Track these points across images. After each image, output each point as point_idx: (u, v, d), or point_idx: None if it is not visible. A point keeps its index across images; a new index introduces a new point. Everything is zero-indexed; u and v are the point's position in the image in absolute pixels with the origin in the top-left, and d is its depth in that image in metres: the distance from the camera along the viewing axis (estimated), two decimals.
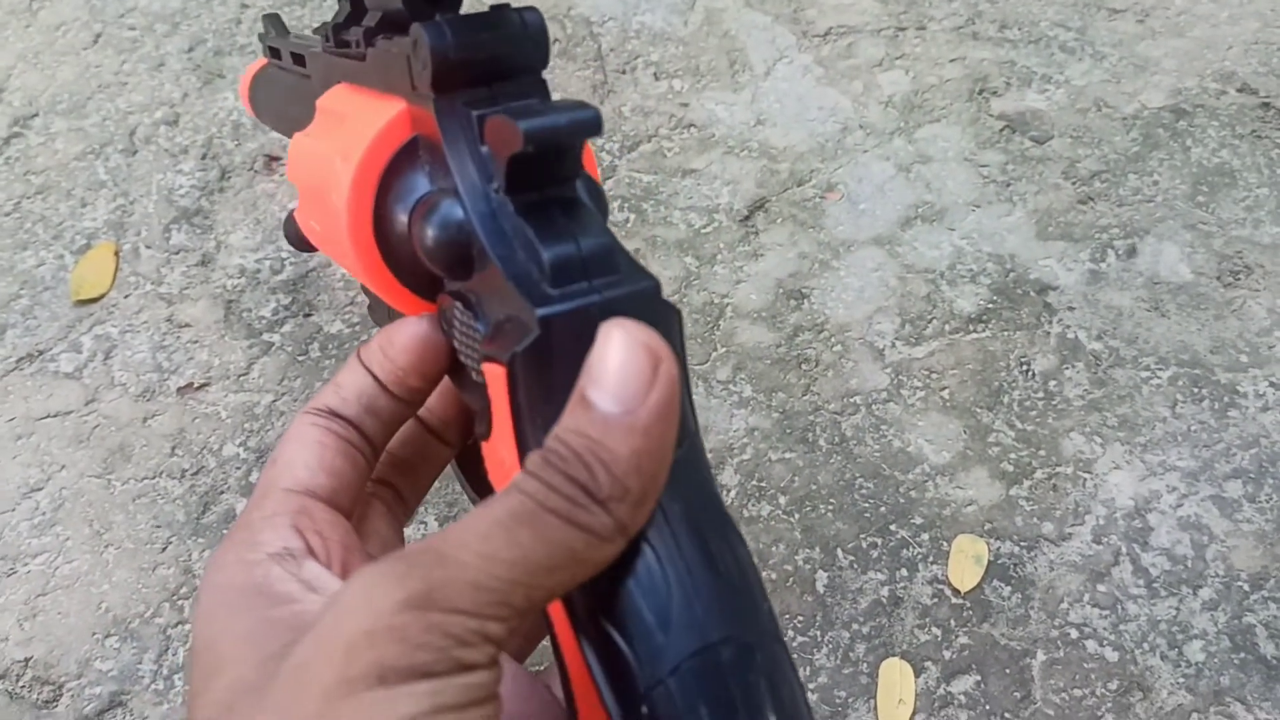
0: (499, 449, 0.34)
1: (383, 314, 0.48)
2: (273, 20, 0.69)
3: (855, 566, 0.84)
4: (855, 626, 0.81)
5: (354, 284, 0.96)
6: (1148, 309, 0.97)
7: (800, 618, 0.82)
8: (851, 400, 0.92)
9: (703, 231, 1.02)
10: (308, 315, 0.96)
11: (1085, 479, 0.88)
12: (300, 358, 0.94)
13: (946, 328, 0.96)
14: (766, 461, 0.89)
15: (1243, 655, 0.80)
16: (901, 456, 0.89)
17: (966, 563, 0.84)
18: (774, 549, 0.84)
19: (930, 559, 0.84)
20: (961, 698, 0.79)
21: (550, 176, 0.35)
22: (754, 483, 0.87)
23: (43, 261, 0.99)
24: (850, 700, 0.79)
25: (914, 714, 0.78)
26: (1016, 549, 0.85)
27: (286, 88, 0.61)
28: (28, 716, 0.77)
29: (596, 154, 1.08)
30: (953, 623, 0.81)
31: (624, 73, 1.13)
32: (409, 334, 0.39)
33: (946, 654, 0.80)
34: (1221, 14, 1.20)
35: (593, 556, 0.28)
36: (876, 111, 1.11)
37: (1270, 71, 1.14)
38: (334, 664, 0.26)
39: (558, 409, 0.29)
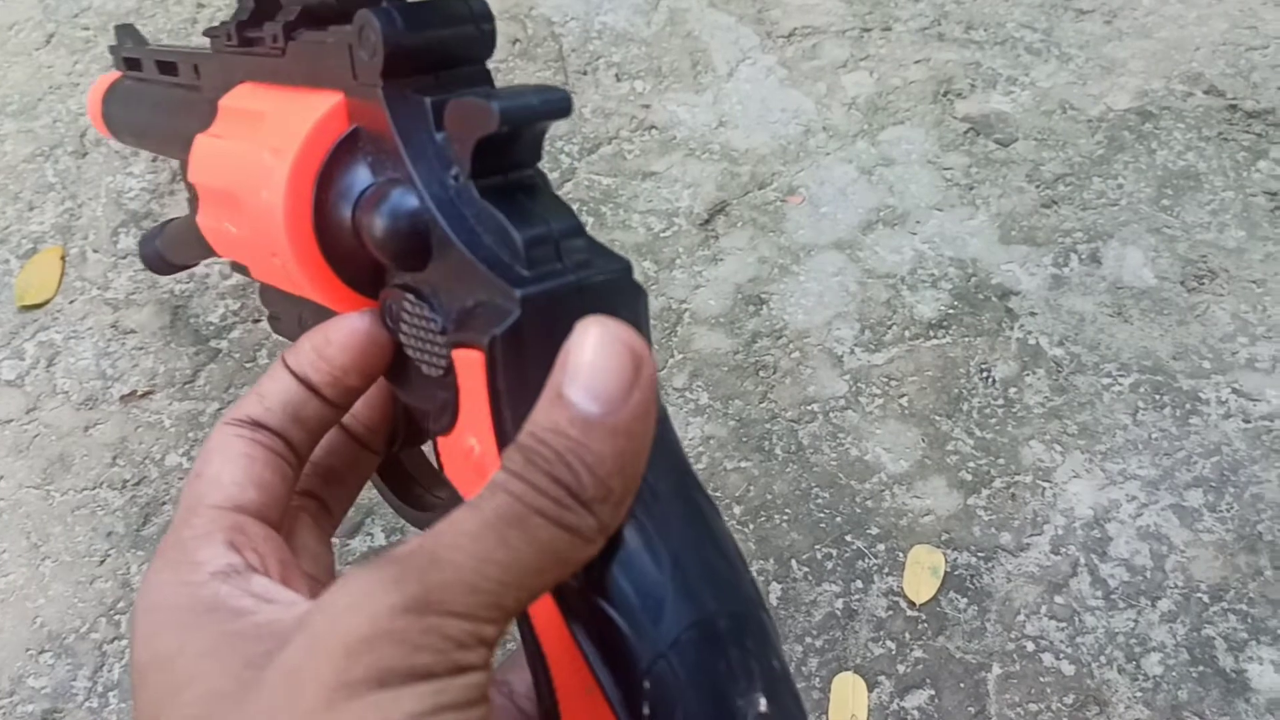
0: (463, 440, 0.34)
1: (291, 323, 0.46)
2: (128, 30, 0.67)
3: (810, 578, 0.82)
4: (809, 640, 0.80)
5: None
6: (1110, 314, 0.96)
7: None
8: (809, 408, 0.91)
9: (662, 235, 1.01)
10: (257, 321, 0.94)
11: (1044, 488, 0.86)
12: (248, 364, 0.92)
13: (906, 334, 0.95)
14: (722, 470, 0.87)
15: (1201, 668, 0.78)
16: (859, 465, 0.88)
17: (923, 574, 0.82)
18: None
19: (886, 570, 0.83)
20: (915, 713, 0.77)
21: (515, 160, 0.35)
22: (709, 492, 0.86)
23: None
24: None
25: None
26: (974, 560, 0.83)
27: (156, 99, 0.59)
28: None
29: (555, 155, 1.06)
30: (907, 636, 0.80)
31: (585, 74, 1.12)
32: (349, 330, 0.38)
33: (901, 668, 0.79)
34: (1190, 15, 1.18)
35: (575, 556, 0.29)
36: (840, 113, 1.10)
37: (1238, 73, 1.13)
38: (333, 667, 0.26)
39: (537, 391, 0.30)
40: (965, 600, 0.81)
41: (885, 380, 0.92)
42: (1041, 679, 0.78)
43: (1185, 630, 0.80)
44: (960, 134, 1.08)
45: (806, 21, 1.17)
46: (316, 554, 0.41)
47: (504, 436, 0.32)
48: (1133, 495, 0.86)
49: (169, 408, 0.89)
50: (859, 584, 0.82)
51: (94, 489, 0.85)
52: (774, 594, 0.82)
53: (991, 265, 0.99)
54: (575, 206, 1.01)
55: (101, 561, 0.82)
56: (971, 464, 0.88)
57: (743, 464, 0.87)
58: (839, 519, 0.85)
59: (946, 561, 0.83)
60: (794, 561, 0.83)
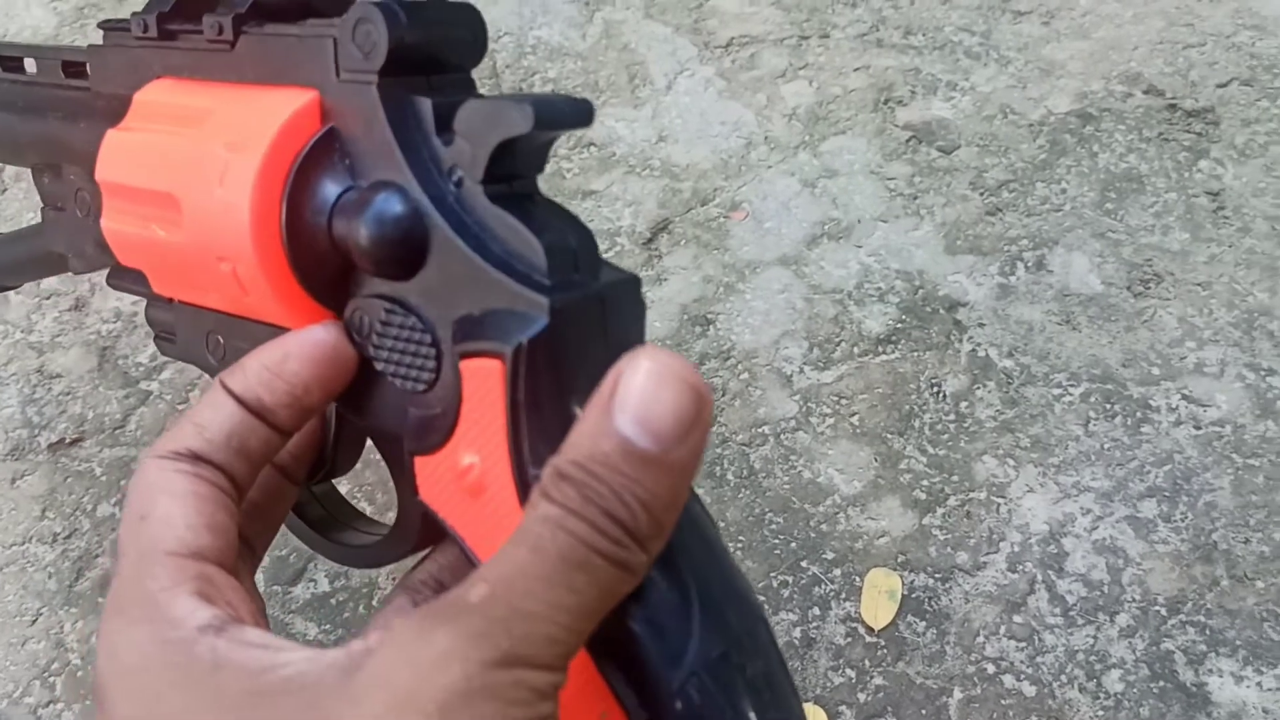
0: (456, 458, 0.33)
1: (192, 342, 0.43)
2: None
3: (766, 607, 0.81)
4: None
5: None
6: (1058, 322, 0.95)
7: None
8: (760, 430, 0.89)
9: (604, 256, 0.98)
10: (168, 357, 0.91)
11: (999, 504, 0.86)
12: (180, 406, 0.89)
13: (855, 350, 0.94)
14: None
15: (1162, 684, 0.78)
16: (812, 488, 0.86)
17: (880, 599, 0.81)
18: None
19: (843, 595, 0.82)
20: None
21: (524, 167, 0.34)
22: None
23: None
24: None
25: None
26: (931, 581, 0.82)
27: (9, 100, 0.55)
28: None
29: None
30: (867, 663, 0.79)
31: (520, 90, 1.09)
32: (313, 343, 0.36)
33: (861, 696, 0.78)
34: (1126, 13, 1.18)
35: (623, 592, 0.28)
36: (780, 125, 1.08)
37: (1176, 71, 1.13)
38: None
39: (561, 404, 0.29)
40: (924, 624, 0.80)
41: (835, 399, 0.91)
42: (1003, 701, 0.77)
43: (1144, 645, 0.79)
44: (902, 142, 1.07)
45: (744, 30, 1.16)
46: (247, 592, 0.39)
47: (519, 451, 0.31)
48: (1087, 508, 0.85)
49: (99, 455, 0.86)
50: (816, 611, 0.81)
51: (23, 544, 0.82)
52: None
53: (938, 276, 0.98)
54: None
55: (33, 621, 0.79)
56: (925, 482, 0.87)
57: (694, 491, 0.86)
58: (794, 544, 0.84)
59: (904, 584, 0.82)
60: None
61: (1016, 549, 0.84)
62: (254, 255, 0.36)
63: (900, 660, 0.79)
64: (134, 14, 0.43)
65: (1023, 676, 0.78)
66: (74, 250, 0.51)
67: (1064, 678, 0.78)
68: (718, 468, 0.87)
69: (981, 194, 1.04)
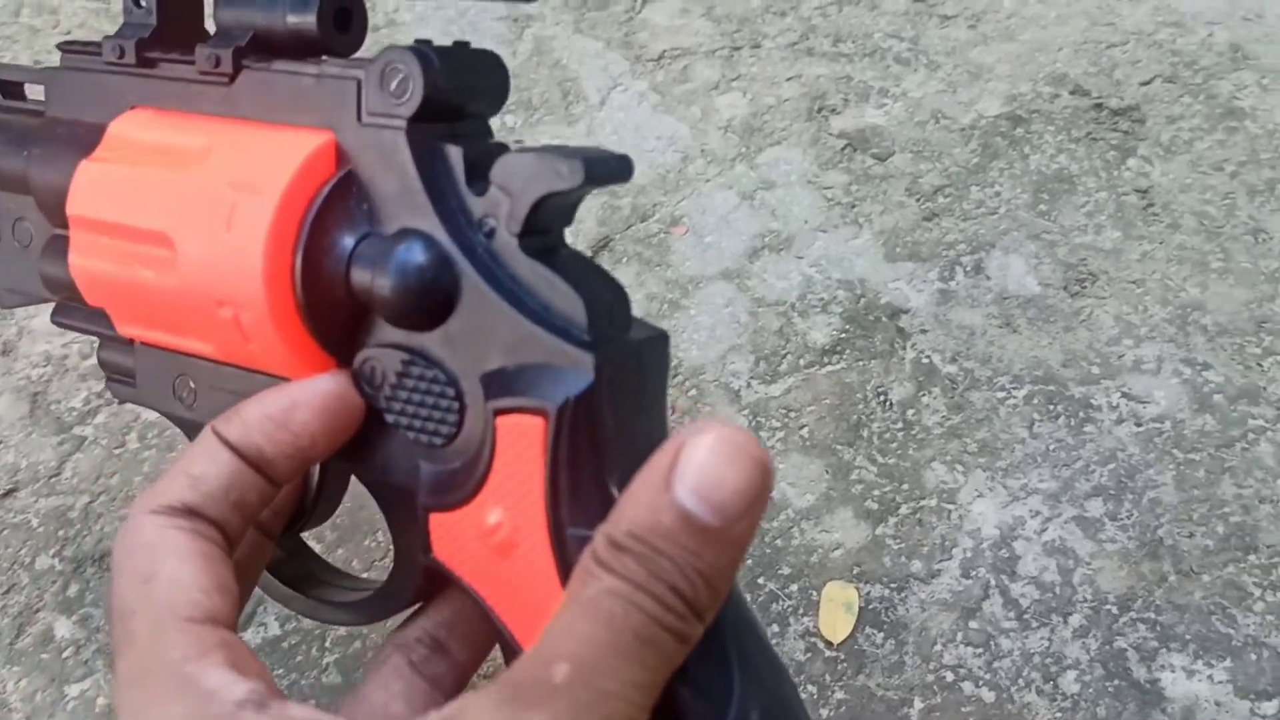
0: (482, 515, 0.32)
1: (157, 387, 0.41)
2: None
3: None
4: None
5: None
6: (999, 326, 0.97)
7: None
8: None
9: None
10: (123, 402, 0.88)
11: (949, 510, 0.86)
12: (117, 450, 0.86)
13: (801, 362, 0.94)
14: None
15: (1117, 682, 0.79)
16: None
17: (837, 612, 0.81)
18: None
19: (801, 611, 0.82)
20: None
21: (560, 220, 0.34)
22: None
23: None
24: None
25: None
26: (887, 591, 0.83)
27: None
28: None
29: None
30: (828, 678, 0.79)
31: None
32: (322, 394, 0.34)
33: (824, 712, 0.78)
34: (1050, 15, 1.20)
35: (678, 664, 0.29)
36: (716, 137, 1.08)
37: (1100, 71, 1.15)
38: None
39: (598, 464, 0.30)
40: (882, 635, 0.81)
41: (784, 412, 0.91)
42: (963, 709, 0.78)
43: (1098, 645, 0.80)
44: (838, 150, 1.08)
45: (675, 43, 1.15)
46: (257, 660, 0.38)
47: (556, 510, 0.31)
48: (1036, 510, 0.86)
49: (34, 505, 0.84)
50: (775, 628, 0.81)
51: None
52: None
53: (879, 284, 0.99)
54: None
55: None
56: (876, 492, 0.87)
57: None
58: (749, 561, 0.84)
59: (860, 596, 0.82)
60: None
61: (969, 554, 0.84)
62: (264, 302, 0.34)
63: (860, 673, 0.79)
64: (106, 38, 0.41)
65: (981, 683, 0.79)
66: (7, 284, 0.48)
67: (1021, 681, 0.79)
68: None
69: (918, 200, 1.05)
